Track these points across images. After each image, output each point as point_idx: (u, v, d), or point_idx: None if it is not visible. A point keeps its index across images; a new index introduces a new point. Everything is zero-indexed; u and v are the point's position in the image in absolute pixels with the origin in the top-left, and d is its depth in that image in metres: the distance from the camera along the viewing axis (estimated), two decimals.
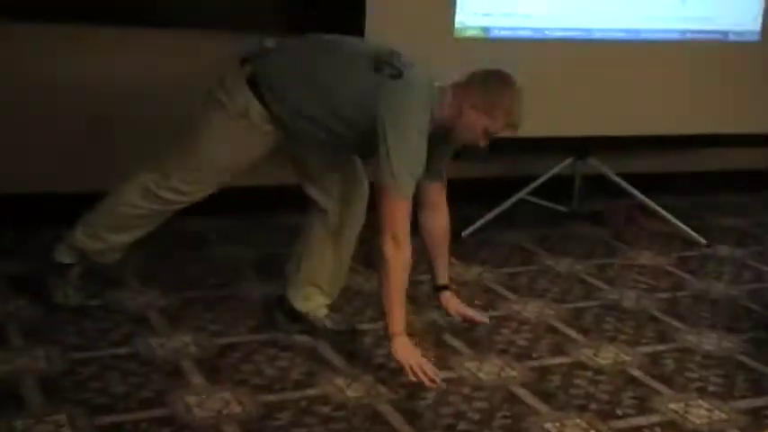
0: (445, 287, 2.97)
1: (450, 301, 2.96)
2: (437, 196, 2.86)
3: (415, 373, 2.54)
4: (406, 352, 2.58)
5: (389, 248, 2.55)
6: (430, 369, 2.56)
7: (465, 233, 4.01)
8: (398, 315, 2.59)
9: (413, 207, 2.64)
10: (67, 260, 2.94)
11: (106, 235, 2.89)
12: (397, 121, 2.56)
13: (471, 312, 2.99)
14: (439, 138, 2.69)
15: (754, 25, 4.35)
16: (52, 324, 2.86)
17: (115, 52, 3.79)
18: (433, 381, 2.54)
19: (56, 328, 2.83)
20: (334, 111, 2.66)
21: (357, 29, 3.64)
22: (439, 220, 2.89)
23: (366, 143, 2.62)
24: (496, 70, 2.72)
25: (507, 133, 2.72)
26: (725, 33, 4.31)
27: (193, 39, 3.86)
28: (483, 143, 2.72)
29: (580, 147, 4.26)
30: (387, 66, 2.65)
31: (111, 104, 3.79)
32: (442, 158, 2.81)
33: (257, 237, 3.77)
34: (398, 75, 2.63)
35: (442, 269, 2.95)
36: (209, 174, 2.80)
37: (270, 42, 2.78)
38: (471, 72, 2.73)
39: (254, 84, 2.68)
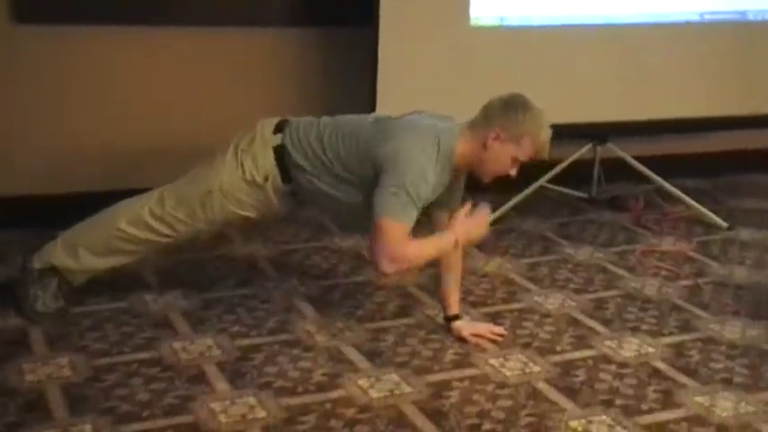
0: (457, 317, 2.95)
1: (463, 327, 2.92)
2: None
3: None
4: (468, 233, 2.71)
5: (397, 264, 2.62)
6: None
7: None
8: (445, 242, 2.69)
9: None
10: (38, 267, 2.92)
11: (83, 254, 2.89)
12: (394, 152, 2.62)
13: (485, 328, 2.95)
14: (455, 175, 2.76)
15: None
16: (76, 330, 2.87)
17: (125, 50, 3.79)
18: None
19: (79, 333, 2.85)
20: (347, 174, 2.75)
21: (369, 20, 3.62)
22: (454, 257, 2.90)
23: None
24: (513, 96, 2.70)
25: (536, 157, 2.72)
26: (743, 13, 4.25)
27: (201, 36, 3.86)
28: (513, 172, 2.73)
29: (599, 132, 4.23)
30: (386, 118, 2.78)
31: (107, 104, 3.81)
32: (455, 191, 2.86)
33: (275, 234, 3.76)
34: (398, 119, 2.73)
35: (453, 300, 2.95)
36: (203, 220, 2.86)
37: (295, 120, 2.88)
38: (487, 102, 2.73)
39: (280, 155, 2.78)
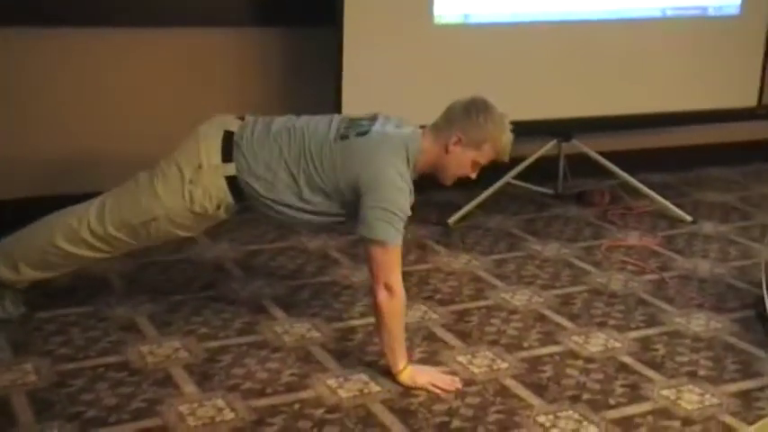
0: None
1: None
2: None
3: (434, 389, 2.57)
4: (417, 377, 2.60)
5: (384, 298, 2.56)
6: (444, 379, 2.61)
7: (451, 220, 4.00)
8: (400, 353, 2.60)
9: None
10: None
11: (22, 268, 2.85)
12: (373, 173, 2.58)
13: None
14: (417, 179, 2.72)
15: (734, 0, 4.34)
16: (40, 335, 2.84)
17: (81, 52, 3.74)
18: (451, 388, 2.59)
19: (44, 338, 2.82)
20: (311, 197, 2.69)
21: (333, 20, 3.62)
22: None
23: (350, 207, 2.65)
24: (474, 100, 2.69)
25: (496, 160, 2.73)
26: (704, 9, 4.30)
27: (163, 36, 3.83)
28: (473, 175, 2.74)
29: (563, 128, 4.26)
30: (351, 130, 2.68)
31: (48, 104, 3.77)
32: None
33: (241, 235, 3.75)
34: (365, 132, 2.67)
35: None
36: (144, 240, 2.83)
37: (240, 126, 2.76)
38: (448, 106, 2.72)
39: (234, 183, 2.70)
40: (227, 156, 2.70)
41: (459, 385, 2.62)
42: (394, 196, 2.57)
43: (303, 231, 3.81)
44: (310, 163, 2.67)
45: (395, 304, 2.57)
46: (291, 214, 2.74)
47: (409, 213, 2.63)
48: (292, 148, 2.69)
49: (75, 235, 2.79)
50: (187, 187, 2.70)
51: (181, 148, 2.76)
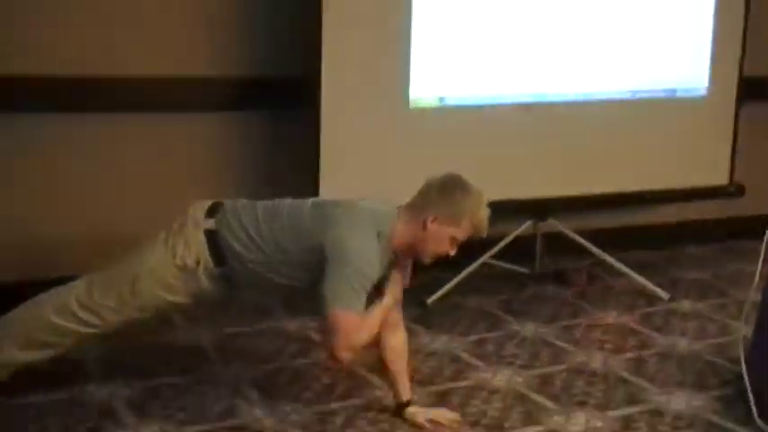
0: (409, 402, 2.90)
1: (417, 414, 2.87)
2: (395, 315, 2.86)
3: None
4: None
5: (351, 354, 2.64)
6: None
7: (430, 300, 4.01)
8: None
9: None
10: None
11: (8, 348, 2.82)
12: (338, 236, 2.63)
13: (440, 414, 2.90)
14: (394, 258, 2.76)
15: (701, 81, 4.44)
16: (18, 423, 2.79)
17: (46, 135, 3.72)
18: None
19: (18, 427, 2.77)
20: (285, 258, 2.74)
21: (311, 103, 3.67)
22: (397, 337, 2.89)
23: (316, 271, 2.67)
24: (450, 176, 2.74)
25: (474, 236, 2.76)
26: (672, 91, 4.40)
27: (143, 121, 3.85)
28: (452, 252, 2.76)
29: (539, 208, 4.30)
30: (327, 203, 2.80)
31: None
32: (397, 279, 2.82)
33: (219, 317, 3.73)
34: (338, 203, 2.75)
35: (402, 385, 2.90)
36: (132, 306, 2.81)
37: (229, 203, 2.87)
38: (424, 183, 2.77)
39: (213, 238, 2.76)
40: (211, 215, 2.81)
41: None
42: (358, 263, 2.59)
43: (281, 314, 3.79)
44: (281, 230, 2.74)
45: (357, 350, 2.67)
46: (260, 272, 2.77)
47: (374, 281, 2.65)
48: (269, 213, 2.79)
49: (64, 307, 2.79)
50: (170, 241, 2.77)
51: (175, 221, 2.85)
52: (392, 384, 2.92)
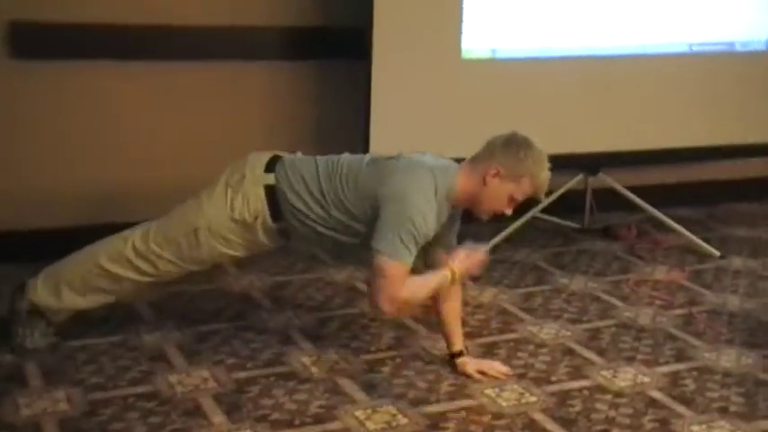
0: (461, 353, 2.92)
1: (468, 363, 2.89)
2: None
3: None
4: (464, 267, 2.74)
5: (394, 306, 2.64)
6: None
7: None
8: (438, 280, 2.71)
9: None
10: (26, 307, 2.90)
11: (65, 292, 2.87)
12: (394, 188, 2.62)
13: (489, 365, 2.92)
14: (452, 215, 2.77)
15: (761, 34, 4.35)
16: (71, 363, 2.86)
17: (118, 85, 3.81)
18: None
19: (75, 367, 2.84)
20: (343, 214, 2.74)
21: (363, 53, 3.66)
22: (452, 290, 2.88)
23: (372, 227, 2.68)
24: (516, 135, 2.71)
25: (533, 197, 2.75)
26: (731, 44, 4.31)
27: (194, 69, 3.89)
28: (508, 211, 2.74)
29: (590, 162, 4.26)
30: (383, 158, 2.77)
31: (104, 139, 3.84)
32: (453, 230, 2.86)
33: (270, 266, 3.77)
34: (394, 158, 2.73)
35: (456, 337, 2.92)
36: (188, 259, 2.83)
37: (288, 157, 2.87)
38: (489, 139, 2.74)
39: (272, 193, 2.76)
40: (269, 169, 2.80)
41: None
42: (412, 216, 2.58)
43: (330, 264, 3.83)
44: (340, 181, 2.74)
45: (399, 306, 2.67)
46: (320, 231, 2.78)
47: (428, 237, 2.65)
48: (328, 168, 2.78)
49: (119, 254, 2.83)
50: (229, 194, 2.77)
51: (230, 167, 2.85)
52: (445, 334, 2.94)
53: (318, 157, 2.85)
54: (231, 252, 2.85)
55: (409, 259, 2.61)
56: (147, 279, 2.88)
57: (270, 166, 2.82)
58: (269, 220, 2.78)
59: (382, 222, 2.60)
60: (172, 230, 2.82)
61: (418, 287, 2.68)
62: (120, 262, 2.84)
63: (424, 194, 2.63)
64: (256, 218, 2.78)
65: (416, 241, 2.61)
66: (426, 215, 2.62)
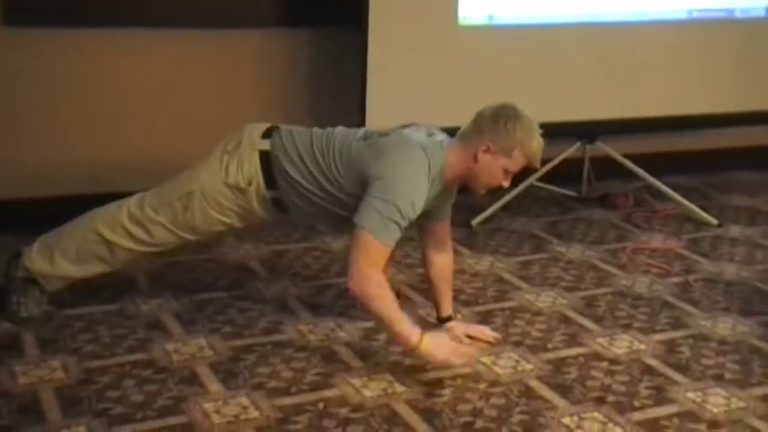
0: (449, 318, 2.95)
1: (456, 327, 2.92)
2: (443, 235, 2.90)
3: (452, 363, 2.60)
4: (437, 349, 2.55)
5: (362, 284, 2.53)
6: (462, 352, 2.61)
7: (475, 222, 4.00)
8: (406, 332, 2.55)
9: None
10: (21, 275, 2.90)
11: (58, 259, 2.85)
12: (384, 165, 2.59)
13: (478, 330, 2.94)
14: (446, 188, 2.74)
15: (761, 1, 4.32)
16: (68, 332, 2.87)
17: (112, 53, 3.78)
18: (470, 360, 2.65)
19: (71, 336, 2.84)
20: (335, 186, 2.73)
21: (358, 20, 3.63)
22: (444, 257, 2.92)
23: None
24: (503, 106, 2.66)
25: (528, 166, 2.72)
26: (731, 11, 4.28)
27: (191, 38, 3.85)
28: (505, 183, 2.72)
29: (588, 131, 4.25)
30: (375, 134, 2.73)
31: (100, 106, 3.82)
32: (447, 203, 2.85)
33: (266, 235, 3.76)
34: (387, 134, 2.70)
35: (446, 302, 2.95)
36: (183, 226, 2.82)
37: (285, 128, 2.86)
38: (476, 113, 2.69)
39: (266, 160, 2.76)
40: (265, 138, 2.81)
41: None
42: (399, 197, 2.54)
43: (327, 233, 3.82)
44: (333, 156, 2.73)
45: (368, 289, 2.53)
46: (315, 201, 2.78)
47: (412, 219, 2.60)
48: (321, 141, 2.77)
49: (114, 219, 2.83)
50: (225, 159, 2.78)
51: (228, 136, 2.86)
52: (434, 300, 2.96)
53: (315, 129, 2.84)
54: (224, 219, 2.83)
55: (390, 240, 2.56)
56: (141, 248, 2.86)
57: (267, 135, 2.82)
58: (262, 186, 2.77)
59: (369, 202, 2.56)
60: (167, 195, 2.83)
61: (385, 305, 2.54)
62: (115, 228, 2.83)
63: (415, 173, 2.59)
64: (250, 183, 2.77)
65: (400, 226, 2.57)
66: (415, 201, 2.58)
